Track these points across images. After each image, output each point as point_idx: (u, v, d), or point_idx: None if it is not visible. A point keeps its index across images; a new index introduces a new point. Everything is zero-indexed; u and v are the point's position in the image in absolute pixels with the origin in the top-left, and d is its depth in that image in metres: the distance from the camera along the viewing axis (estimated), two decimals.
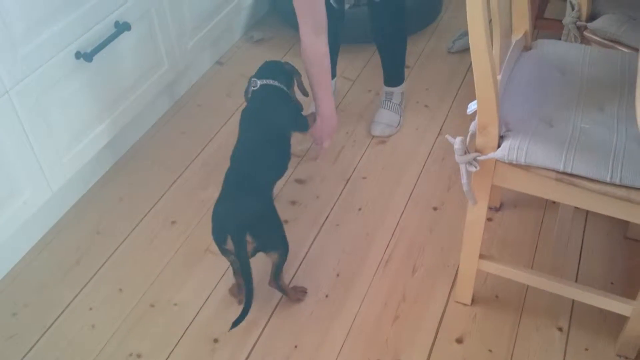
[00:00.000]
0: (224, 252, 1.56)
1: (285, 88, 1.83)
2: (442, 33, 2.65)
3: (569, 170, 1.22)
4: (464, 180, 1.32)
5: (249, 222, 1.50)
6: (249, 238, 1.49)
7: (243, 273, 1.49)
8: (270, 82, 1.80)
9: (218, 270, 1.74)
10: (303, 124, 1.86)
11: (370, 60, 2.51)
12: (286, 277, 1.70)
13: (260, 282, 1.69)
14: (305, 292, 1.68)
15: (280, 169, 1.72)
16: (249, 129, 1.72)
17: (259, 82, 1.80)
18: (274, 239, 1.58)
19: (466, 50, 2.51)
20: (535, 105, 1.36)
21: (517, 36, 1.50)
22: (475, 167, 1.30)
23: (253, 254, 1.53)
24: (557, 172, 1.24)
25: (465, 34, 2.50)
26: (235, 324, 1.51)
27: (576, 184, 1.23)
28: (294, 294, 1.67)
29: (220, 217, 1.55)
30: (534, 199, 1.85)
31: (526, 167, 1.26)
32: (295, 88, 1.92)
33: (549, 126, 1.30)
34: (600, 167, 1.20)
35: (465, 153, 1.29)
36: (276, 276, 1.60)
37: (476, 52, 1.17)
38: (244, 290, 1.51)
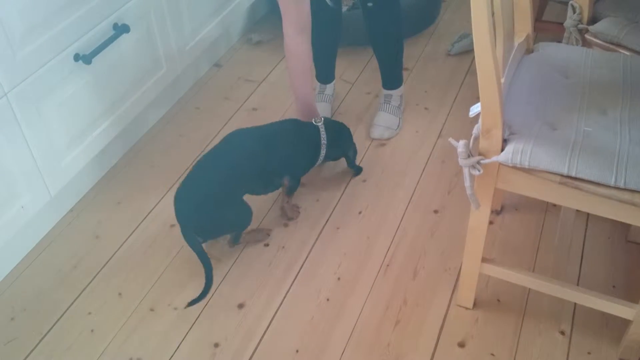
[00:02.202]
0: None
1: (324, 144, 1.86)
2: (440, 35, 2.65)
3: (573, 174, 1.21)
4: (467, 183, 1.31)
5: (198, 226, 1.66)
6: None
7: (199, 257, 1.65)
8: (323, 134, 1.85)
9: (218, 273, 1.73)
10: (294, 180, 1.85)
11: (369, 62, 2.51)
12: (287, 279, 1.70)
13: (259, 287, 1.69)
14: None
15: (258, 188, 1.78)
16: (261, 133, 1.78)
17: (323, 120, 1.87)
18: (221, 232, 1.75)
19: (465, 52, 2.50)
20: (538, 109, 1.35)
21: (519, 39, 1.49)
22: (479, 171, 1.29)
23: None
24: (561, 175, 1.23)
25: (465, 36, 2.50)
26: (192, 302, 1.63)
27: (580, 187, 1.22)
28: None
29: (177, 205, 1.68)
30: (535, 201, 1.84)
31: (530, 171, 1.26)
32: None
33: (553, 129, 1.30)
34: (604, 170, 1.20)
35: (468, 156, 1.29)
36: (236, 240, 1.78)
37: (480, 55, 1.16)
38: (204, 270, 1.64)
